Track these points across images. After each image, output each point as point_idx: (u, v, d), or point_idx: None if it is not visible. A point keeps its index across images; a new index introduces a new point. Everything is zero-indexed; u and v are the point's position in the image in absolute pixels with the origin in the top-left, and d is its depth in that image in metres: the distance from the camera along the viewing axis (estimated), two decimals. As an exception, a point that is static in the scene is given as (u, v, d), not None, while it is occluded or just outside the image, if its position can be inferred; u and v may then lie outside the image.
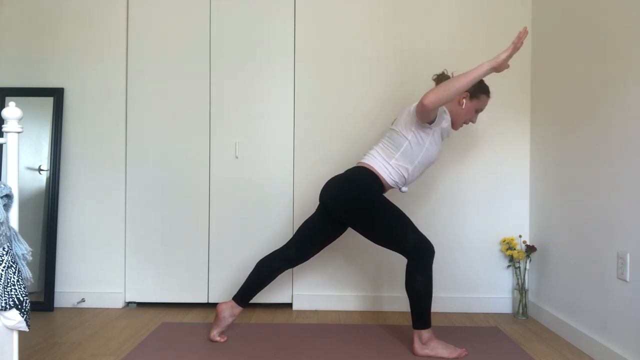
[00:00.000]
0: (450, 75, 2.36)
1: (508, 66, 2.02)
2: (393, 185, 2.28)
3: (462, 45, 2.91)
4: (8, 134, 1.65)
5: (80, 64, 2.96)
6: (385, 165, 2.24)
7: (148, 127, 2.94)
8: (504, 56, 1.97)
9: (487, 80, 2.88)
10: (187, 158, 2.94)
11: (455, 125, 2.36)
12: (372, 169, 2.24)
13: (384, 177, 2.24)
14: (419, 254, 2.14)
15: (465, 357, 2.17)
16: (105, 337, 2.41)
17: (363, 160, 2.30)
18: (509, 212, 2.91)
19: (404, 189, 2.32)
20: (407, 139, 2.22)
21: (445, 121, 2.29)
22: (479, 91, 2.32)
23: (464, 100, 2.30)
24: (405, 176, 2.26)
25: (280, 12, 2.94)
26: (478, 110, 2.36)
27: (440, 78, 2.35)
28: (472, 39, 2.91)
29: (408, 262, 2.17)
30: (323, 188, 2.33)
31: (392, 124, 2.34)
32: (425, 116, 2.12)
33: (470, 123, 2.42)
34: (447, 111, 2.31)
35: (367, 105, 2.93)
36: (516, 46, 1.95)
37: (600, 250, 2.17)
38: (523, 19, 2.90)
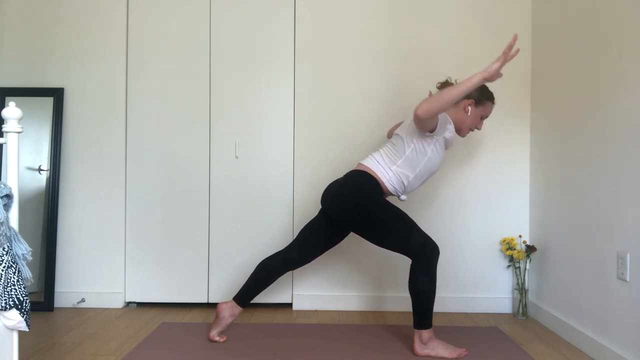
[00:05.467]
0: (454, 83, 2.36)
1: (501, 75, 1.99)
2: (392, 192, 2.26)
3: (462, 45, 2.91)
4: (8, 134, 1.65)
5: (80, 64, 2.96)
6: (386, 170, 2.23)
7: (148, 127, 2.94)
8: (495, 66, 1.94)
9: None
10: (187, 158, 2.94)
11: (461, 132, 2.35)
12: (372, 173, 2.23)
13: (384, 182, 2.22)
14: (424, 255, 2.13)
15: (465, 357, 2.17)
16: (105, 337, 2.41)
17: (364, 163, 2.28)
18: (509, 212, 2.91)
19: (402, 197, 2.30)
20: (411, 146, 2.21)
21: (448, 131, 2.27)
22: (483, 98, 2.32)
23: (470, 107, 2.30)
24: (405, 184, 2.24)
25: (280, 12, 2.94)
26: (483, 117, 2.36)
27: (444, 85, 2.34)
28: (472, 39, 2.91)
29: (412, 262, 2.16)
30: (324, 193, 2.32)
31: (399, 128, 2.33)
32: (422, 125, 2.11)
33: (476, 129, 2.40)
34: (450, 121, 2.29)
35: (368, 105, 2.93)
36: (507, 56, 1.94)
37: (600, 250, 2.17)
38: (523, 19, 2.90)
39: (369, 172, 2.24)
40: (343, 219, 2.22)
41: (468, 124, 2.32)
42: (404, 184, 2.24)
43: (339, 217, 2.23)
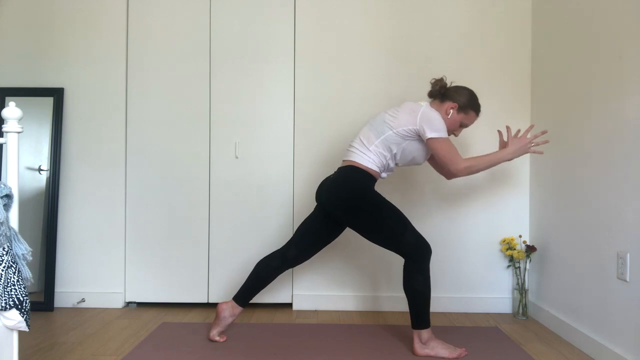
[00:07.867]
0: (450, 84, 2.35)
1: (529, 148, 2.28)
2: (379, 172, 2.27)
3: (462, 45, 2.91)
4: (8, 134, 1.65)
5: (80, 64, 2.96)
6: (367, 153, 2.23)
7: (148, 127, 2.94)
8: (510, 157, 2.26)
9: (488, 80, 2.88)
10: (187, 158, 2.94)
11: None
12: (359, 165, 2.23)
13: (370, 167, 2.23)
14: (416, 254, 2.14)
15: (465, 357, 2.17)
16: (105, 337, 2.41)
17: (348, 157, 2.29)
18: (509, 212, 2.91)
19: (383, 174, 2.31)
20: (393, 130, 2.21)
21: None
22: (469, 106, 2.29)
23: (452, 111, 2.28)
24: (384, 162, 2.25)
25: (280, 12, 2.94)
26: (463, 125, 2.33)
27: (438, 82, 2.33)
28: (472, 39, 2.91)
29: (406, 262, 2.17)
30: (318, 189, 2.33)
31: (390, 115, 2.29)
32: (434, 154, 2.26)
33: (453, 135, 2.38)
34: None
35: (367, 105, 2.92)
36: (530, 150, 2.28)
37: (600, 250, 2.17)
38: (523, 19, 2.90)
39: (354, 165, 2.24)
40: (339, 214, 2.23)
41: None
42: (382, 162, 2.25)
43: (334, 212, 2.24)
